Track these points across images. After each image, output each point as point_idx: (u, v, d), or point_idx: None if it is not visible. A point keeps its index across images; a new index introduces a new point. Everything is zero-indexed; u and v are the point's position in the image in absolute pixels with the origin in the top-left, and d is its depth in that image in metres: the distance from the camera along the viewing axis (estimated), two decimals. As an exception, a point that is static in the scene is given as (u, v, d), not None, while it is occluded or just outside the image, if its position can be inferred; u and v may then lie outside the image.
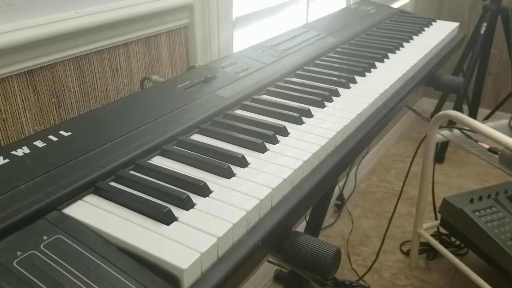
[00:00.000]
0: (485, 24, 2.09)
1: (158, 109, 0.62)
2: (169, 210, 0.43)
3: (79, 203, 0.45)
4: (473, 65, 2.13)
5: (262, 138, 0.58)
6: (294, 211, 0.50)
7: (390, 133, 2.47)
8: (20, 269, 0.36)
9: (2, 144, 0.68)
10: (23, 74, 0.69)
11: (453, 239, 1.72)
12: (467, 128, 1.23)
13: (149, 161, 0.53)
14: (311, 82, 0.78)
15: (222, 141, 0.58)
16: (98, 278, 0.36)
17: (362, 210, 1.99)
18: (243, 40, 1.17)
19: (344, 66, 0.85)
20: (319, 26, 1.05)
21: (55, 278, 0.36)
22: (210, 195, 0.47)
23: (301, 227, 1.53)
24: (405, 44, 1.01)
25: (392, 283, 1.62)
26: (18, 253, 0.38)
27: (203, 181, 0.48)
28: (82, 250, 0.39)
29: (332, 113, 0.68)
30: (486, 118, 2.46)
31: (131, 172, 0.51)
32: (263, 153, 0.56)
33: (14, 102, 0.68)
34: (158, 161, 0.54)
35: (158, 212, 0.43)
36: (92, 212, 0.44)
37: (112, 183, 0.49)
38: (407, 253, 1.74)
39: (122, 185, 0.48)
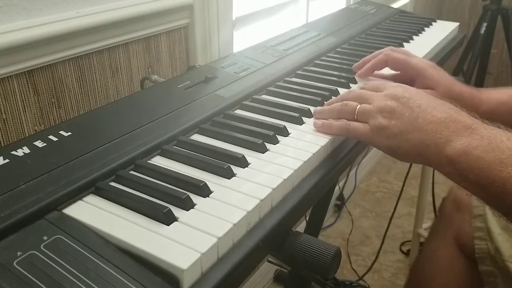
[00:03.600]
0: (485, 24, 2.09)
1: (158, 109, 0.62)
2: (169, 210, 0.43)
3: (79, 203, 0.45)
4: (473, 65, 2.13)
5: (262, 138, 0.57)
6: (294, 211, 0.50)
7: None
8: (20, 269, 0.36)
9: (2, 144, 0.68)
10: (23, 74, 0.69)
11: (453, 239, 1.72)
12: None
13: (149, 161, 0.53)
14: (311, 82, 0.78)
15: (222, 141, 0.58)
16: (98, 278, 0.36)
17: (362, 210, 1.99)
18: (243, 40, 1.17)
19: (344, 66, 0.85)
20: (319, 26, 1.05)
21: (55, 278, 0.36)
22: (210, 195, 0.47)
23: (301, 227, 1.53)
24: (405, 44, 1.01)
25: (392, 283, 1.62)
26: (18, 253, 0.38)
27: (203, 181, 0.48)
28: (82, 250, 0.39)
29: (332, 113, 0.68)
30: (486, 118, 2.46)
31: (131, 172, 0.51)
32: (263, 153, 0.56)
33: (14, 102, 0.68)
34: (158, 161, 0.54)
35: (158, 212, 0.43)
36: (92, 212, 0.44)
37: (112, 183, 0.49)
38: (407, 253, 1.74)
39: (122, 185, 0.48)
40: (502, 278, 0.86)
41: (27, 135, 0.71)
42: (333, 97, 0.73)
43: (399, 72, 0.80)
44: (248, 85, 0.72)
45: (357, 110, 0.58)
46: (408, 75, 0.78)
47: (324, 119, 0.63)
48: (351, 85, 0.78)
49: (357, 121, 0.58)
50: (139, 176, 0.50)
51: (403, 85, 0.59)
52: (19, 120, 0.70)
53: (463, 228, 0.94)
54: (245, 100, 0.69)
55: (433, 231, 1.07)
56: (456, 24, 1.19)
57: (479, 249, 0.89)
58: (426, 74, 0.74)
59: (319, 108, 0.66)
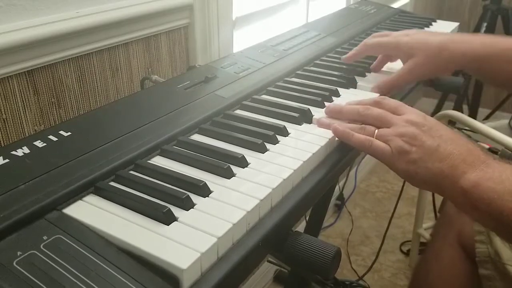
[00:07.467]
0: (485, 24, 2.09)
1: (158, 109, 0.62)
2: (169, 210, 0.43)
3: (79, 203, 0.45)
4: (473, 65, 2.12)
5: (262, 138, 0.57)
6: (294, 211, 0.50)
7: (390, 133, 2.46)
8: (20, 269, 0.36)
9: (2, 144, 0.68)
10: (23, 74, 0.69)
11: (453, 239, 1.71)
12: (467, 128, 1.23)
13: (149, 161, 0.53)
14: (311, 82, 0.78)
15: (222, 141, 0.58)
16: (98, 278, 0.36)
17: (362, 210, 1.99)
18: (243, 40, 1.17)
19: (344, 66, 0.85)
20: (319, 26, 1.05)
21: (55, 278, 0.36)
22: (210, 195, 0.47)
23: (301, 227, 1.53)
24: (405, 44, 1.01)
25: (392, 283, 1.62)
26: (18, 253, 0.38)
27: (203, 181, 0.48)
28: (82, 250, 0.39)
29: (332, 113, 0.68)
30: (486, 118, 2.46)
31: (131, 172, 0.51)
32: (263, 153, 0.56)
33: (14, 102, 0.68)
34: (158, 161, 0.54)
35: (158, 212, 0.43)
36: (92, 212, 0.44)
37: (112, 183, 0.49)
38: (407, 253, 1.74)
39: (122, 185, 0.48)
40: (501, 282, 0.86)
41: (27, 135, 0.71)
42: (333, 97, 0.73)
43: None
44: (248, 85, 0.72)
45: (375, 134, 0.58)
46: (388, 54, 0.81)
47: (337, 120, 0.63)
48: (350, 85, 0.78)
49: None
50: (139, 176, 0.50)
51: (422, 113, 0.59)
52: (19, 120, 0.70)
53: (465, 230, 0.94)
54: (245, 100, 0.69)
55: (436, 232, 1.07)
56: (456, 24, 1.19)
57: (480, 252, 0.89)
58: (400, 44, 0.76)
59: (337, 107, 0.65)
